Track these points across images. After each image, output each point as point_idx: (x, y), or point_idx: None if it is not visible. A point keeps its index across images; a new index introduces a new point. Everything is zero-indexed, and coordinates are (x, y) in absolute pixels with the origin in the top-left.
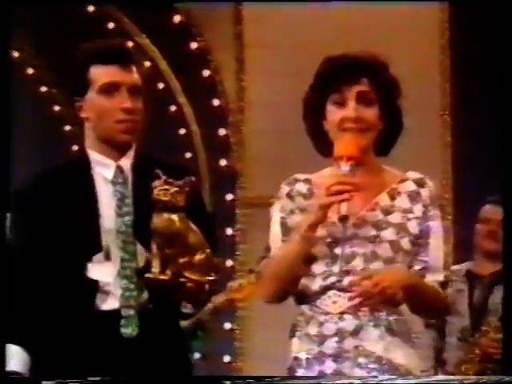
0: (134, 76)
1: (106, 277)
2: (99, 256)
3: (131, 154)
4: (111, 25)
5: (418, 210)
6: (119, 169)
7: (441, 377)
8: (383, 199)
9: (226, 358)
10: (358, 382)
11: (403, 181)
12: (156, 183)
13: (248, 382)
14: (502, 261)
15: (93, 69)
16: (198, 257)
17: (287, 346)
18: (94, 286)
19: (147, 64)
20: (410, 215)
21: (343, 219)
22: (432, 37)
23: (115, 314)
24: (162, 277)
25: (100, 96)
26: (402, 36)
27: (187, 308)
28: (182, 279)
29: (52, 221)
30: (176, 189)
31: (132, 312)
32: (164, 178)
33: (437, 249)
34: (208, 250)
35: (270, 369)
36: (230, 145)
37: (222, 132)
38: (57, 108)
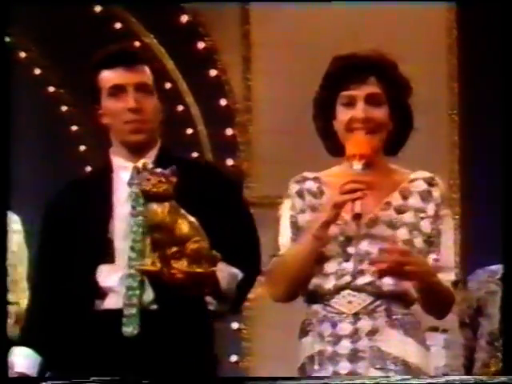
0: (141, 75)
1: (115, 277)
2: (109, 259)
3: (153, 154)
4: (118, 25)
5: (430, 209)
6: (136, 170)
7: (439, 378)
8: (395, 198)
9: (233, 358)
10: (367, 381)
11: (414, 180)
12: (143, 174)
13: (252, 381)
14: (503, 261)
15: (101, 74)
16: (191, 247)
17: (295, 346)
18: (102, 286)
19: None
20: (423, 214)
21: (357, 217)
22: (439, 36)
23: (119, 314)
24: (151, 268)
25: (110, 99)
26: (409, 36)
27: (215, 306)
28: (172, 271)
29: (72, 229)
30: (159, 178)
31: (134, 311)
32: (150, 168)
33: (448, 247)
34: (204, 241)
35: (278, 369)
36: (237, 144)
37: (229, 132)
38: (64, 108)
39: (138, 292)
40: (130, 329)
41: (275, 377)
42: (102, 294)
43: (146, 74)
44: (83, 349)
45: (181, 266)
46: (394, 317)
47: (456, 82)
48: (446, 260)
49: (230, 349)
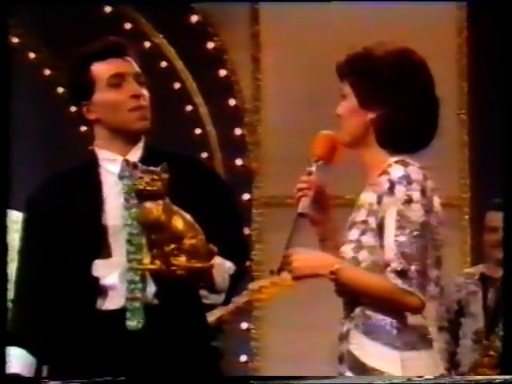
0: (135, 66)
1: (113, 273)
2: (105, 252)
3: (140, 147)
4: (128, 25)
5: (374, 202)
6: (126, 162)
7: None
8: (363, 197)
9: (243, 358)
10: (374, 382)
11: (381, 175)
12: (134, 173)
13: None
14: (503, 261)
15: (94, 67)
16: (188, 242)
17: (304, 346)
18: (101, 283)
19: (164, 64)
20: (370, 209)
21: (300, 216)
22: (449, 35)
23: (122, 311)
24: (151, 267)
25: (109, 90)
26: (419, 34)
27: (210, 299)
28: (172, 267)
29: (61, 223)
30: (152, 176)
31: (137, 304)
32: (141, 166)
33: (389, 237)
34: (201, 236)
35: (287, 368)
36: (246, 144)
37: (238, 132)
38: (74, 109)
39: (140, 285)
40: (134, 323)
41: (285, 376)
42: (102, 291)
43: (136, 66)
44: (84, 348)
45: (180, 262)
46: (361, 320)
47: (466, 81)
48: (387, 251)
49: (239, 349)
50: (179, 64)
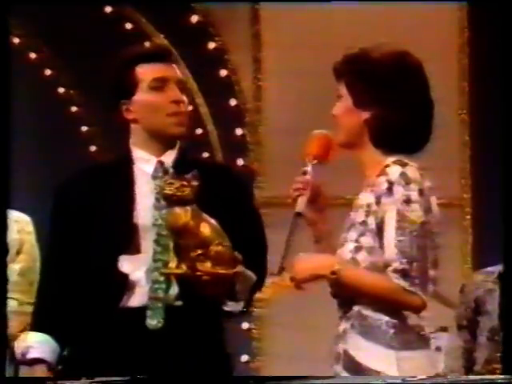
0: (178, 72)
1: (139, 269)
2: (134, 249)
3: (175, 150)
4: (129, 25)
5: (372, 202)
6: (160, 163)
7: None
8: (361, 197)
9: (244, 358)
10: (377, 382)
11: (379, 175)
12: (165, 178)
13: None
14: (502, 261)
15: (139, 69)
16: (215, 249)
17: (305, 345)
18: (125, 280)
19: None
20: (369, 210)
21: (296, 216)
22: (450, 35)
23: (143, 309)
24: (176, 271)
25: (150, 92)
26: (420, 35)
27: (229, 306)
28: (198, 273)
29: (90, 216)
30: (182, 182)
31: (159, 304)
32: (172, 172)
33: (389, 237)
34: (227, 243)
35: (288, 368)
36: (247, 145)
37: (239, 132)
38: (74, 109)
39: (164, 286)
40: (154, 321)
41: (286, 376)
42: (127, 286)
43: (180, 73)
44: (102, 342)
45: (205, 267)
46: (357, 320)
47: (467, 81)
48: (388, 250)
49: (240, 349)
50: (180, 64)
